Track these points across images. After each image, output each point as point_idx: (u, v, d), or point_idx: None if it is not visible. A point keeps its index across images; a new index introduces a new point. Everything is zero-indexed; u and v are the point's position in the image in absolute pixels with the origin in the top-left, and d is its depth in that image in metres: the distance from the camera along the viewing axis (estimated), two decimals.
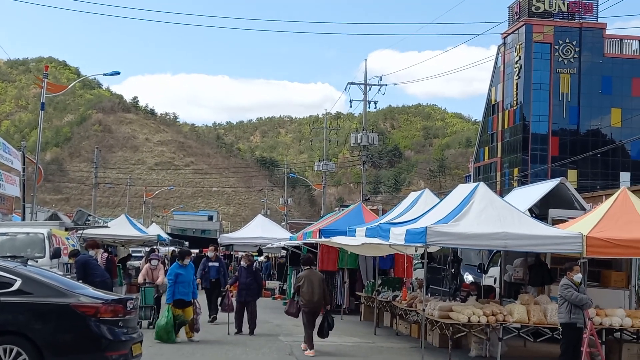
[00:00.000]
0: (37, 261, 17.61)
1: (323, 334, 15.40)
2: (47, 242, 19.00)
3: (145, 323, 17.17)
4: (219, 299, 19.24)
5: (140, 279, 18.24)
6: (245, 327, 17.43)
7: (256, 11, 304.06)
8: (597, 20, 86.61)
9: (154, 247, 31.72)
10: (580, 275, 12.73)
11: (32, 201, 30.82)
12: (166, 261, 31.44)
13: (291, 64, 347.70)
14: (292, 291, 29.44)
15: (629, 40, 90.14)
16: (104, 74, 38.04)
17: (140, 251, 42.96)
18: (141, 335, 10.93)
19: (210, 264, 20.16)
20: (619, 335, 14.43)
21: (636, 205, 14.65)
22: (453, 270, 22.01)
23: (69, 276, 15.27)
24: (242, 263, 18.01)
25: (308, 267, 16.05)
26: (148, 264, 18.63)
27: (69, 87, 40.30)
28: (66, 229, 22.71)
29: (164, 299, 17.28)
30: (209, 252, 20.74)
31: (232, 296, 17.80)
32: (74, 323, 9.82)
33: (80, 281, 13.42)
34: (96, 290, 11.26)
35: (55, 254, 18.74)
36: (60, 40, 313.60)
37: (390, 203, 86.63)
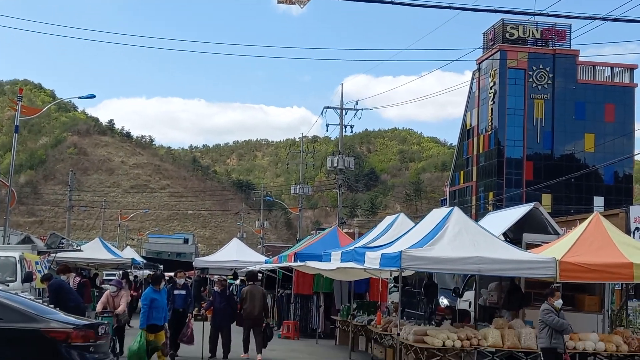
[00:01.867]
0: (8, 285, 17.41)
1: (264, 344, 17.06)
2: (18, 265, 18.80)
3: None
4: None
5: (99, 307, 16.46)
6: (220, 351, 17.29)
7: (230, 36, 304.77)
8: (570, 47, 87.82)
9: (128, 270, 31.45)
10: (561, 301, 12.80)
11: (5, 224, 30.49)
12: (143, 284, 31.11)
13: (267, 87, 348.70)
14: None
15: (601, 67, 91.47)
16: (80, 97, 38.30)
17: (114, 274, 42.55)
18: None
19: (176, 291, 17.33)
20: (592, 359, 14.48)
21: (609, 230, 14.79)
22: (428, 294, 22.00)
23: (41, 301, 15.09)
24: (216, 288, 17.81)
25: (251, 282, 17.55)
26: (108, 291, 16.97)
27: (44, 109, 40.13)
28: (38, 253, 22.48)
29: (134, 326, 16.94)
30: (178, 279, 17.90)
31: (192, 325, 16.95)
32: (44, 349, 9.69)
33: (53, 306, 13.25)
34: (68, 316, 11.12)
35: (27, 278, 18.51)
36: (36, 63, 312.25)
37: (366, 226, 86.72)
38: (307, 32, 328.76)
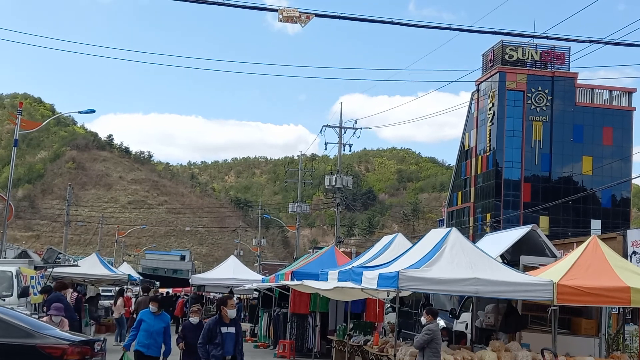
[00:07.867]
0: (4, 299, 17.38)
1: None
2: (15, 280, 18.74)
3: None
4: None
5: None
6: None
7: (226, 53, 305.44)
8: (569, 70, 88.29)
9: (124, 287, 31.38)
10: None
11: (2, 238, 30.36)
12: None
13: (263, 105, 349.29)
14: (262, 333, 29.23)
15: (599, 90, 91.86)
16: (79, 112, 38.40)
17: (110, 290, 42.46)
18: None
19: (223, 329, 11.70)
20: None
21: (606, 254, 14.78)
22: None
23: (37, 315, 15.05)
24: (192, 319, 14.08)
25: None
26: (47, 317, 13.41)
27: (43, 124, 40.12)
28: (35, 268, 22.41)
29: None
30: (229, 309, 11.85)
31: None
32: None
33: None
34: (64, 331, 11.10)
35: (24, 293, 18.45)
36: (36, 77, 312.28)
37: (363, 246, 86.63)
38: (303, 50, 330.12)
